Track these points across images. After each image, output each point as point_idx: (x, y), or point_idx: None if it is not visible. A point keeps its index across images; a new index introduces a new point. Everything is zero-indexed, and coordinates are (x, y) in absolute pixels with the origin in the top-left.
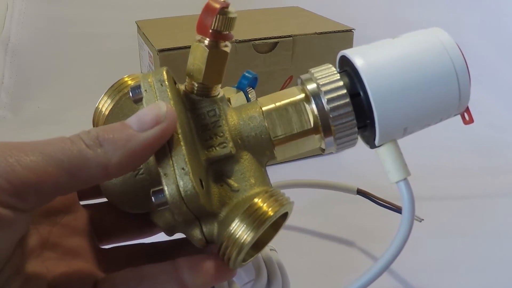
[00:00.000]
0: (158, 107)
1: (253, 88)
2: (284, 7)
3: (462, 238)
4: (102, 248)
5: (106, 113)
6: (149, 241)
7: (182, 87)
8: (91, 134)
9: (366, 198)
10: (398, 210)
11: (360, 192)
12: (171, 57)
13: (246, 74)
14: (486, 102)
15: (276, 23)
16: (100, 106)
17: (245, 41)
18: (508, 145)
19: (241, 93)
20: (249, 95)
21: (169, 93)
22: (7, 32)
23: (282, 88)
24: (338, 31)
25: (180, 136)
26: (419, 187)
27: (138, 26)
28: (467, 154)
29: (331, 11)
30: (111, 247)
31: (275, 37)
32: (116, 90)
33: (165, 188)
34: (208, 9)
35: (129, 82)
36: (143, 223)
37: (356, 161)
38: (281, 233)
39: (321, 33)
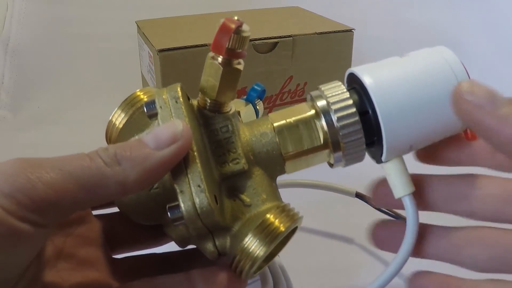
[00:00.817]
0: (174, 126)
1: (261, 99)
2: (284, 7)
3: None
4: (115, 258)
5: (120, 126)
6: (161, 251)
7: (195, 102)
8: (110, 151)
9: (364, 201)
10: (394, 216)
11: (358, 196)
12: (171, 57)
13: (255, 87)
14: None
15: (276, 23)
16: (114, 120)
17: None
18: None
19: (250, 106)
20: (257, 107)
21: (184, 110)
22: (7, 32)
23: (282, 88)
24: (338, 31)
25: (195, 153)
26: None
27: (138, 26)
28: None
29: (331, 11)
30: (124, 257)
31: (275, 37)
32: (130, 104)
33: (182, 205)
34: (224, 29)
35: (142, 96)
36: (155, 233)
37: (357, 165)
38: None
39: (321, 33)
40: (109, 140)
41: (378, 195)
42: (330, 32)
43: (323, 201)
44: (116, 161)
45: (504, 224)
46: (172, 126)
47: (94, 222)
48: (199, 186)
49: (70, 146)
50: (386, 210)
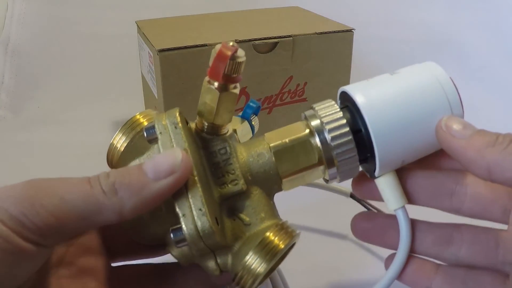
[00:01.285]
0: (173, 156)
1: (256, 115)
2: (284, 7)
3: None
4: (113, 267)
5: (122, 149)
6: (158, 261)
7: (193, 125)
8: (110, 179)
9: (358, 202)
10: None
11: (352, 196)
12: (171, 57)
13: (251, 104)
14: (486, 102)
15: (276, 23)
16: (115, 143)
17: (245, 41)
18: None
19: (246, 123)
20: (253, 122)
21: (183, 136)
22: (7, 32)
23: (282, 88)
24: (338, 31)
25: (196, 178)
26: None
27: (138, 26)
28: None
29: (331, 11)
30: (122, 266)
31: (275, 37)
32: (130, 127)
33: (184, 228)
34: (220, 56)
35: (142, 120)
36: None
37: None
38: None
39: (321, 33)
40: (110, 162)
41: (359, 187)
42: (330, 32)
43: (319, 200)
44: (114, 190)
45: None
46: (171, 156)
47: (95, 232)
48: (200, 209)
49: (70, 146)
50: (369, 206)
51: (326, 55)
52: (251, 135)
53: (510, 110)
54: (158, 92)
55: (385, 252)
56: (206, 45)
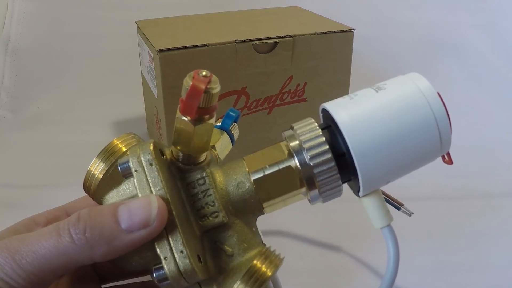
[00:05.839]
0: (149, 208)
1: (236, 122)
2: (284, 7)
3: (460, 238)
4: None
5: (100, 176)
6: (146, 278)
7: (168, 152)
8: (80, 226)
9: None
10: (395, 205)
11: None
12: (171, 57)
13: (230, 113)
14: (486, 102)
15: (276, 23)
16: (93, 169)
17: (245, 41)
18: (508, 145)
19: (225, 135)
20: (232, 131)
21: (159, 174)
22: (7, 32)
23: (282, 88)
24: (338, 31)
25: (176, 219)
26: (417, 187)
27: (138, 26)
28: (467, 153)
29: (331, 11)
30: (112, 286)
31: (275, 37)
32: (107, 154)
33: (166, 270)
34: (194, 92)
35: (119, 145)
36: None
37: None
38: (273, 231)
39: (321, 33)
40: (88, 190)
41: None
42: (330, 32)
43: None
44: (84, 239)
45: None
46: (147, 207)
47: None
48: (182, 251)
49: (70, 146)
50: (389, 199)
51: (326, 55)
52: (231, 146)
53: (510, 110)
54: (158, 92)
55: (378, 263)
56: (206, 45)
